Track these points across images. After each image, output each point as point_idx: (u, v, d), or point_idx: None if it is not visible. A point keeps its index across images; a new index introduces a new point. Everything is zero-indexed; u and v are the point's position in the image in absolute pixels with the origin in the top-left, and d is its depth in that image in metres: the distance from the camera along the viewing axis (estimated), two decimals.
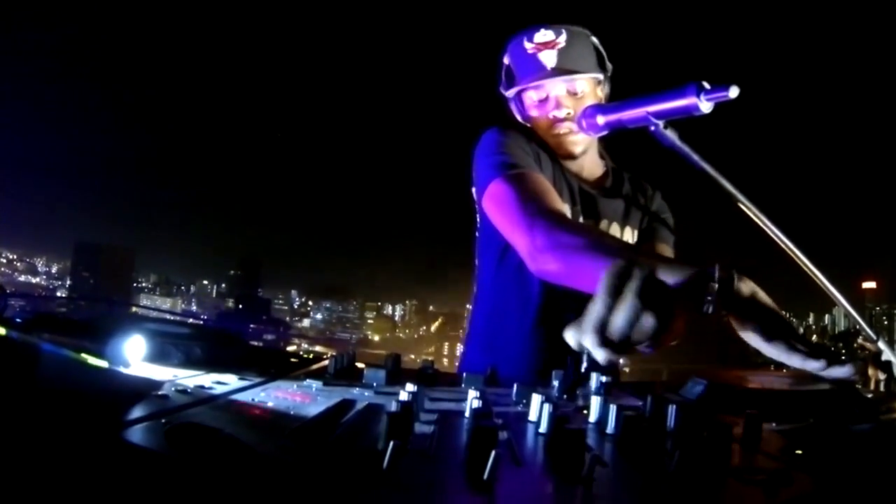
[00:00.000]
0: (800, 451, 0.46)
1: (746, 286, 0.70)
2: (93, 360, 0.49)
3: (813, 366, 0.64)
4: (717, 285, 0.66)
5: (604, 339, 0.52)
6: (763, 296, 0.70)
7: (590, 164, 1.26)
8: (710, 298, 0.66)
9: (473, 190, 1.17)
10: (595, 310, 0.54)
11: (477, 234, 1.27)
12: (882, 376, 0.88)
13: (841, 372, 0.64)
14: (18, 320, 0.63)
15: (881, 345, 0.86)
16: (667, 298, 0.56)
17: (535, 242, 0.89)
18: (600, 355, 0.52)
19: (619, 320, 0.53)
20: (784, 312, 0.71)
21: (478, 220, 1.25)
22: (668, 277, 0.68)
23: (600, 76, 1.18)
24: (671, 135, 0.89)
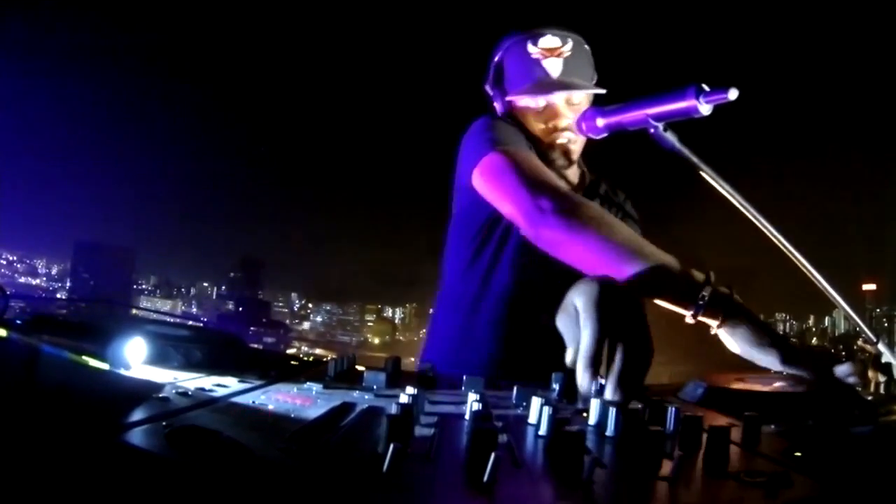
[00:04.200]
0: (799, 454, 0.46)
1: (729, 300, 0.72)
2: (93, 362, 0.49)
3: (801, 371, 0.66)
4: (706, 295, 0.68)
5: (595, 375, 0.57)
6: (743, 309, 0.72)
7: (572, 169, 1.26)
8: (701, 303, 0.68)
9: (456, 175, 1.14)
10: (585, 345, 0.58)
11: (450, 225, 1.24)
12: (882, 378, 0.88)
13: (840, 371, 0.65)
14: (18, 322, 0.63)
15: (881, 347, 0.86)
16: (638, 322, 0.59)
17: (540, 204, 0.87)
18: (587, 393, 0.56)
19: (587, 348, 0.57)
20: (769, 321, 0.73)
21: (454, 208, 1.22)
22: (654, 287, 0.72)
23: (599, 90, 1.18)
24: (671, 137, 0.89)
